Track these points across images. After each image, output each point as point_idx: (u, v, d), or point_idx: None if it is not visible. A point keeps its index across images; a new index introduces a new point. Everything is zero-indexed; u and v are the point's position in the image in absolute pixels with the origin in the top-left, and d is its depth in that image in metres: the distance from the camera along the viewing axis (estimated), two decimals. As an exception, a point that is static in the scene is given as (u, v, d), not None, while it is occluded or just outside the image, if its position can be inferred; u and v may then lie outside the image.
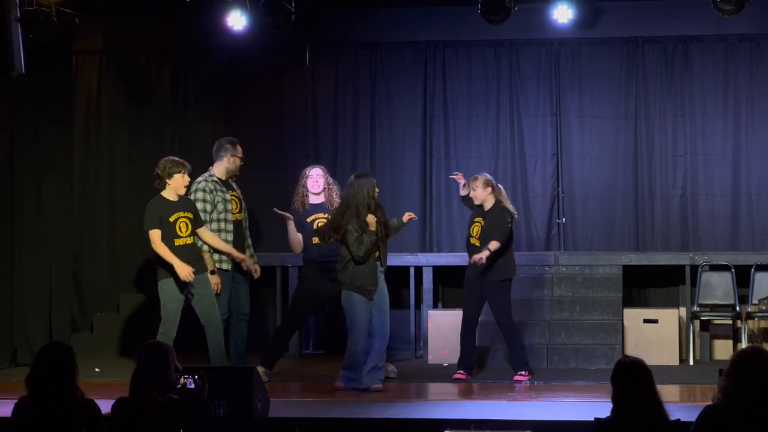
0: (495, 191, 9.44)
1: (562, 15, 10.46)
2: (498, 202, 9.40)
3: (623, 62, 11.71)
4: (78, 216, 11.71)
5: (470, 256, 9.38)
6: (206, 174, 9.28)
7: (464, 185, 9.66)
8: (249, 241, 9.44)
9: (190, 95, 12.16)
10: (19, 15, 9.11)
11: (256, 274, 9.43)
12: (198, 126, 12.08)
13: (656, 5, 11.51)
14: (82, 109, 12.05)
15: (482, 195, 9.43)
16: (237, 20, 10.40)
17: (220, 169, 9.25)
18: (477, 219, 9.45)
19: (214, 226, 9.02)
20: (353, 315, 8.77)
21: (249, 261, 9.13)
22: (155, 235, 8.52)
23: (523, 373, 9.33)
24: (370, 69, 12.04)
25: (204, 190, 9.04)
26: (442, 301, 11.40)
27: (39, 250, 10.66)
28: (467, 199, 9.67)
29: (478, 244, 9.36)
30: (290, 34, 10.53)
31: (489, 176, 9.53)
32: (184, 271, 8.43)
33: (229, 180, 9.32)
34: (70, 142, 11.23)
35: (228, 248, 8.92)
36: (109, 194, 12.06)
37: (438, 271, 10.97)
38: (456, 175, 9.81)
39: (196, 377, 5.52)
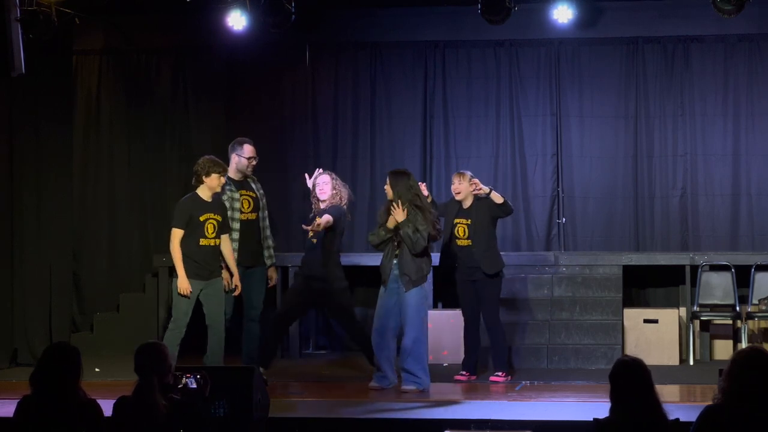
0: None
1: (562, 15, 10.45)
2: (475, 197, 9.40)
3: (623, 62, 11.72)
4: (78, 216, 11.72)
5: (458, 258, 9.41)
6: None
7: (427, 196, 9.62)
8: (269, 242, 9.39)
9: (190, 95, 12.17)
10: (19, 15, 9.11)
11: (272, 281, 9.48)
12: (198, 126, 12.09)
13: (656, 5, 11.51)
14: (82, 109, 12.06)
15: (467, 191, 9.42)
16: (237, 20, 10.40)
17: (231, 168, 9.25)
18: (459, 220, 9.44)
19: None
20: None
21: (228, 279, 8.92)
22: (176, 234, 8.59)
23: (500, 373, 9.32)
24: (370, 69, 12.05)
25: None
26: (442, 301, 11.39)
27: (39, 250, 10.65)
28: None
29: (468, 244, 9.37)
30: (290, 34, 10.51)
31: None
32: (183, 284, 8.52)
33: (248, 179, 9.30)
34: (70, 142, 11.23)
35: (232, 265, 8.91)
36: (109, 194, 12.06)
37: (438, 271, 10.96)
38: (420, 186, 9.65)
39: (198, 377, 5.52)
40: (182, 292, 8.51)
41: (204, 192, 8.68)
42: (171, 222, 8.70)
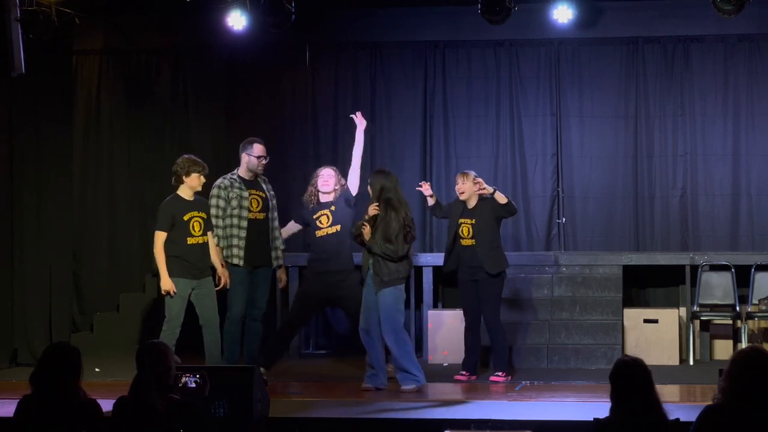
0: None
1: (562, 15, 10.45)
2: (480, 197, 9.39)
3: (623, 62, 11.73)
4: (78, 216, 11.72)
5: (461, 258, 9.39)
6: (231, 172, 9.27)
7: (431, 196, 9.62)
8: (277, 243, 9.36)
9: (190, 95, 12.17)
10: (19, 15, 9.11)
11: (282, 283, 9.48)
12: (198, 126, 12.10)
13: (656, 5, 11.52)
14: (82, 109, 12.06)
15: (471, 190, 9.41)
16: (237, 20, 10.40)
17: (242, 167, 9.24)
18: (463, 220, 9.44)
19: (228, 221, 9.01)
20: None
21: (223, 275, 8.90)
22: (159, 237, 8.61)
23: (499, 374, 9.31)
24: (370, 69, 12.06)
25: (219, 187, 9.04)
26: (442, 301, 11.39)
27: (39, 250, 10.65)
28: (436, 208, 9.66)
29: (472, 243, 9.36)
30: (290, 34, 10.51)
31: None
32: (166, 284, 8.54)
33: (258, 179, 9.27)
34: (70, 142, 11.23)
35: (216, 260, 8.89)
36: (109, 194, 12.07)
37: (438, 271, 10.97)
38: (424, 185, 9.67)
39: (198, 377, 5.51)
40: (165, 292, 8.55)
41: (185, 192, 8.68)
42: (155, 225, 8.70)
